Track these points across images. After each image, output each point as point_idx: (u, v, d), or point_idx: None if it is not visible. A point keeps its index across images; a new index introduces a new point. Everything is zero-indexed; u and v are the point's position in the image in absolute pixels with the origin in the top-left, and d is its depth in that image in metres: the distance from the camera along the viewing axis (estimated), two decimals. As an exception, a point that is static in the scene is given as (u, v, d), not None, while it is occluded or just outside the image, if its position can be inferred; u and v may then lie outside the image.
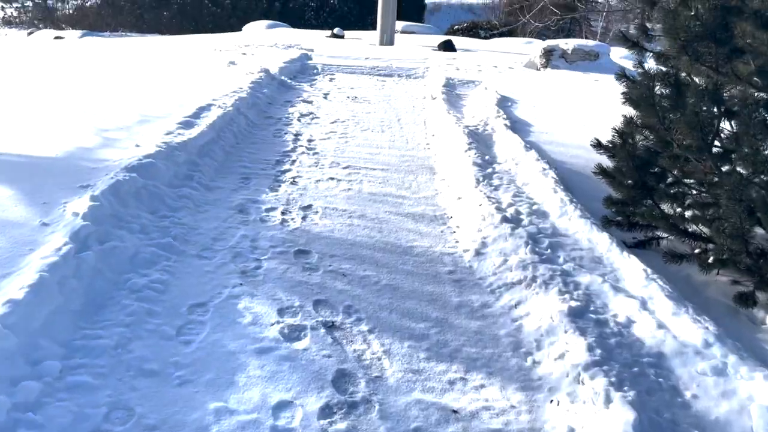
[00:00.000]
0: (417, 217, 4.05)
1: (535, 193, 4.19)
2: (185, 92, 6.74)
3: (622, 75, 3.42)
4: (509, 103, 7.26)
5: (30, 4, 28.26)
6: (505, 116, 6.36)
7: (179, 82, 7.49)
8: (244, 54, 9.98)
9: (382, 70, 9.70)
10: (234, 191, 4.34)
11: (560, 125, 6.31)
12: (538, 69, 9.62)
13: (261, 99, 7.15)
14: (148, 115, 5.60)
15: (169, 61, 9.40)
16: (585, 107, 7.23)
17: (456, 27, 30.94)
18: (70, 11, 27.45)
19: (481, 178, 4.43)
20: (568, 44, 9.43)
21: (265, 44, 11.53)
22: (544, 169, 4.44)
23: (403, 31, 17.21)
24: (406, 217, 4.02)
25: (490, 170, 4.71)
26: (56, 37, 20.39)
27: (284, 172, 4.86)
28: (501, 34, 32.31)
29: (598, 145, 3.68)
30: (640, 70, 3.34)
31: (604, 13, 25.76)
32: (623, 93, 3.37)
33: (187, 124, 5.33)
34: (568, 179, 4.46)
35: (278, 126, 6.34)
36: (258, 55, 9.96)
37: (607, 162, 3.72)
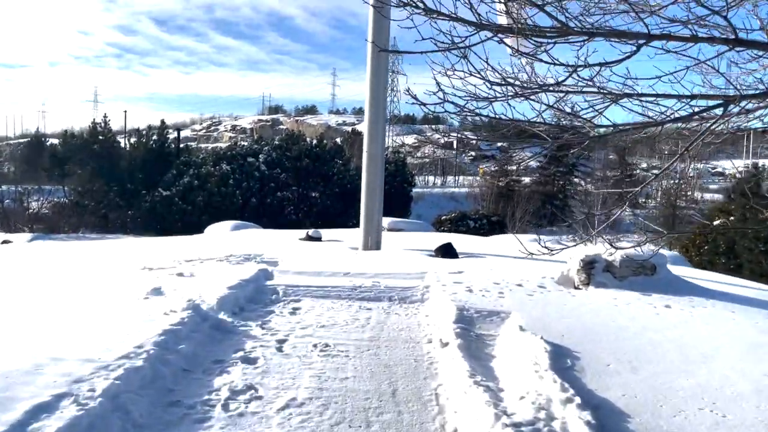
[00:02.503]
0: None
1: None
2: (41, 359, 3.98)
3: None
4: (568, 360, 4.58)
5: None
6: (576, 397, 3.66)
7: (52, 333, 4.77)
8: (181, 274, 7.42)
9: (367, 292, 7.13)
10: None
11: (685, 416, 3.55)
12: (577, 287, 7.12)
13: (171, 365, 4.41)
14: None
15: (79, 285, 6.82)
16: (694, 361, 4.55)
17: (443, 217, 29.62)
18: (32, 211, 25.76)
19: None
20: (613, 253, 7.08)
21: (216, 256, 9.07)
22: None
23: (390, 229, 15.15)
24: None
25: None
26: (4, 241, 18.35)
27: None
28: (489, 222, 31.09)
29: None
30: None
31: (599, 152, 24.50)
32: None
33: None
34: None
35: (183, 429, 3.53)
36: (199, 276, 7.41)
37: None
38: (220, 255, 9.25)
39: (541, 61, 3.38)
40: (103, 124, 26.52)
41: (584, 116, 4.38)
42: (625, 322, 5.79)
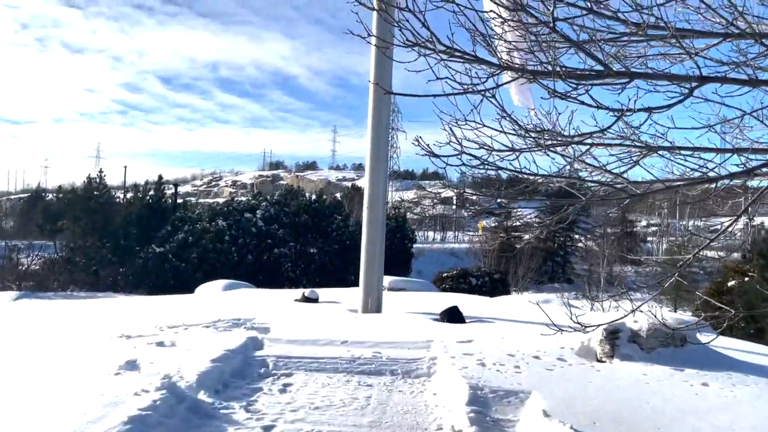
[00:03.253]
0: None
1: None
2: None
3: None
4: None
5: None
6: None
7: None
8: (161, 344, 6.73)
9: (367, 364, 6.42)
10: None
11: None
12: (599, 359, 6.41)
13: (133, 463, 3.69)
14: None
15: (47, 356, 6.13)
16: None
17: (445, 275, 28.82)
18: (22, 268, 25.03)
19: None
20: (638, 321, 6.39)
21: (203, 321, 8.37)
22: None
23: (390, 288, 14.46)
24: None
25: None
26: (-13, 300, 17.53)
27: None
28: (492, 279, 30.29)
29: None
30: None
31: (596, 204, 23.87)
32: None
33: None
34: None
35: None
36: (180, 345, 6.71)
37: None
38: (207, 320, 8.55)
39: (583, 104, 2.82)
40: (98, 179, 26.17)
41: (613, 171, 3.83)
42: (660, 404, 5.07)
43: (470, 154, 3.31)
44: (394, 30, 3.46)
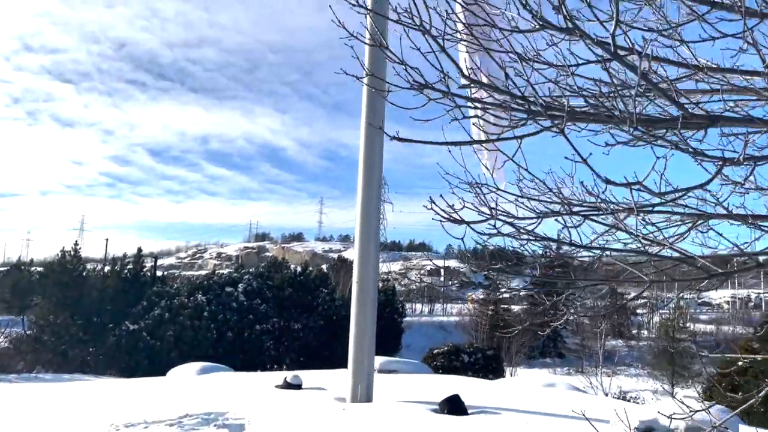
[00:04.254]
0: None
1: None
2: None
3: None
4: None
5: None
6: None
7: None
8: (111, 451, 5.61)
9: (358, 475, 5.34)
10: None
11: None
12: (636, 464, 5.39)
13: None
14: None
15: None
16: None
17: (436, 351, 27.52)
18: (-14, 347, 23.41)
19: None
20: (672, 415, 5.42)
21: (168, 417, 7.24)
22: None
23: (381, 370, 13.30)
24: None
25: None
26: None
27: None
28: (485, 356, 29.00)
29: None
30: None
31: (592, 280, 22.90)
32: None
33: None
34: None
35: None
36: (135, 453, 5.60)
37: None
38: (173, 414, 7.41)
39: (688, 152, 2.02)
40: (73, 252, 25.06)
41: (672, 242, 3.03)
42: None
43: (503, 220, 2.50)
44: (386, 79, 2.72)
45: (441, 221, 2.41)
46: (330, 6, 3.36)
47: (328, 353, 23.78)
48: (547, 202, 3.26)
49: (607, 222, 3.13)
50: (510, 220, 2.52)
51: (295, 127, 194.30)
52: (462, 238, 2.75)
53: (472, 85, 2.83)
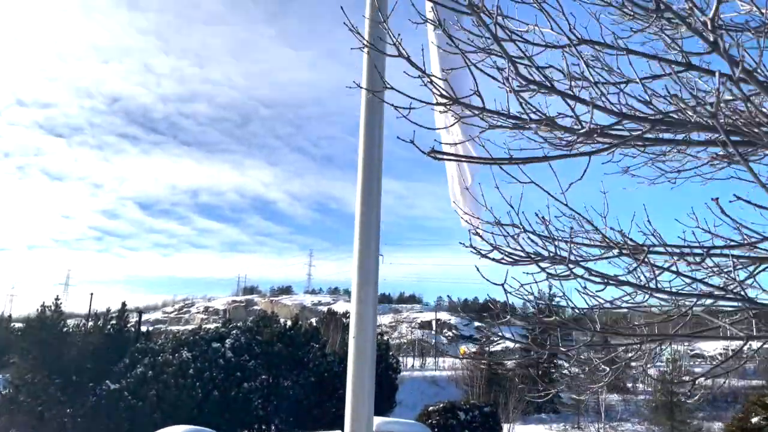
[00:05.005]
0: None
1: None
2: None
3: None
4: None
5: None
6: None
7: None
8: None
9: None
10: None
11: None
12: None
13: None
14: None
15: None
16: None
17: (431, 408, 26.51)
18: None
19: None
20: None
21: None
22: None
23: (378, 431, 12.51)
24: None
25: None
26: None
27: None
28: (482, 413, 27.98)
29: None
30: None
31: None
32: None
33: None
34: None
35: None
36: None
37: None
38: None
39: None
40: (53, 307, 24.16)
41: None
42: None
43: (576, 262, 2.03)
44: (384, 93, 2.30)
45: (497, 260, 1.94)
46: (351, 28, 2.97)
47: (319, 412, 22.74)
48: (582, 244, 2.81)
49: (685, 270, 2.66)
50: (579, 260, 2.05)
51: (286, 179, 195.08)
52: (503, 284, 2.28)
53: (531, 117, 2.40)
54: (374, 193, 9.17)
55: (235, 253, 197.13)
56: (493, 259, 2.10)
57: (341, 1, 3.02)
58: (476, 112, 2.39)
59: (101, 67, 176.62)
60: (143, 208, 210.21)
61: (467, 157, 2.27)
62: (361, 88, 4.67)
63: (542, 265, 2.12)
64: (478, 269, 2.39)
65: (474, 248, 2.17)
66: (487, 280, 2.46)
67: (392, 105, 2.52)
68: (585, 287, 2.48)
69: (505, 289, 2.43)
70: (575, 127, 1.96)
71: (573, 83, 2.11)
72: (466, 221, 5.97)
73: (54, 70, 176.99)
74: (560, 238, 2.57)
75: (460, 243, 2.12)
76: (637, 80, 2.15)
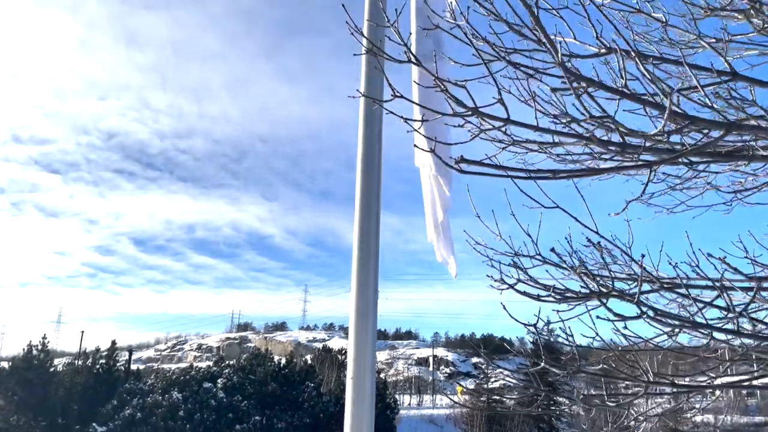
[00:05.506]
0: None
1: None
2: None
3: None
4: None
5: None
6: None
7: None
8: None
9: None
10: None
11: None
12: None
13: None
14: None
15: None
16: None
17: (430, 451, 25.77)
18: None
19: None
20: None
21: None
22: None
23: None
24: None
25: None
26: None
27: None
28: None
29: None
30: None
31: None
32: None
33: None
34: None
35: None
36: None
37: None
38: None
39: None
40: (40, 347, 23.48)
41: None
42: None
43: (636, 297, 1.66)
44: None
45: (537, 298, 1.57)
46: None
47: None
48: (615, 277, 2.45)
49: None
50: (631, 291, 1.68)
51: (282, 214, 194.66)
52: (535, 325, 1.93)
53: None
54: (373, 216, 8.80)
55: (229, 288, 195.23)
56: (538, 298, 1.74)
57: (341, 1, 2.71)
58: (499, 124, 2.05)
59: (99, 104, 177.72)
60: (138, 244, 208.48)
61: (498, 167, 1.92)
62: (364, 95, 4.30)
63: (589, 304, 1.76)
64: (504, 307, 2.02)
65: (504, 282, 1.80)
66: (515, 319, 2.09)
67: (402, 117, 2.18)
68: (626, 326, 2.12)
69: (536, 328, 2.06)
70: (636, 135, 1.62)
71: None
72: (442, 256, 5.54)
73: (51, 106, 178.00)
74: (597, 274, 2.21)
75: (488, 276, 1.75)
76: (698, 86, 1.83)
